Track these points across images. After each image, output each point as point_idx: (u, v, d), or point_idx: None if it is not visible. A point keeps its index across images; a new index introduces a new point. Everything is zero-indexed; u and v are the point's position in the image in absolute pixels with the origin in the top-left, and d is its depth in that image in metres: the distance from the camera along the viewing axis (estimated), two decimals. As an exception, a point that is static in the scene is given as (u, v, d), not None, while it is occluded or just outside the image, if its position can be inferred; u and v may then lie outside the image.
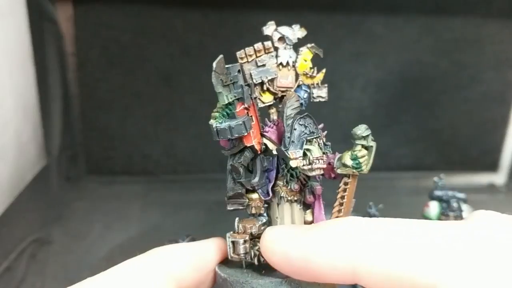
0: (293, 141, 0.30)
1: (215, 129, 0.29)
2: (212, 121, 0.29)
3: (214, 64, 0.29)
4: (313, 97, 0.34)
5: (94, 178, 0.99)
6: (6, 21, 0.74)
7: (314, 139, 0.30)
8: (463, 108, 1.06)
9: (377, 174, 1.05)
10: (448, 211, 0.65)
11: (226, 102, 0.29)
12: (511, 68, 1.04)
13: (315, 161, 0.29)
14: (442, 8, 0.98)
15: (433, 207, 0.66)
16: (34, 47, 0.83)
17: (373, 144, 0.30)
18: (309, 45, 0.33)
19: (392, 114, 1.05)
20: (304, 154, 0.30)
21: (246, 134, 0.29)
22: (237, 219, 0.31)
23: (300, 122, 0.30)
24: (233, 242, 0.30)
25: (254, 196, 0.31)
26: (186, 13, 0.93)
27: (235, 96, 0.30)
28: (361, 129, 0.30)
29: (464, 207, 0.65)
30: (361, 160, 0.29)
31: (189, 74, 0.94)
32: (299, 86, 0.34)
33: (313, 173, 0.29)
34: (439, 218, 0.65)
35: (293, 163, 0.29)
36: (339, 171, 0.30)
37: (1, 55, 0.72)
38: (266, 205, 0.32)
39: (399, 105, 1.04)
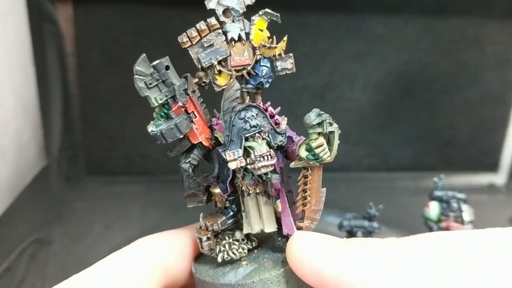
0: (232, 140, 0.27)
1: (151, 134, 0.27)
2: (148, 126, 0.28)
3: (135, 67, 0.26)
4: (278, 71, 0.30)
5: (94, 179, 0.99)
6: (6, 21, 0.74)
7: (257, 134, 0.27)
8: (463, 108, 1.06)
9: (377, 174, 1.05)
10: (448, 211, 0.64)
11: (156, 104, 0.27)
12: (511, 68, 1.04)
13: (258, 159, 0.26)
14: (442, 8, 0.98)
15: (433, 207, 0.66)
16: (34, 47, 0.83)
17: (333, 129, 0.27)
18: (260, 12, 0.29)
19: (392, 114, 1.05)
20: (247, 152, 0.27)
21: (181, 136, 0.27)
22: (201, 215, 0.30)
23: (240, 116, 0.27)
24: (199, 238, 0.29)
25: (216, 190, 0.30)
26: (186, 13, 0.93)
27: (166, 96, 0.27)
28: (311, 117, 0.27)
29: (464, 207, 0.65)
30: (317, 150, 0.27)
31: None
32: (257, 62, 0.29)
33: (259, 172, 0.27)
34: (439, 219, 0.65)
35: (231, 165, 0.27)
36: (292, 165, 0.28)
37: (1, 55, 0.72)
38: (232, 197, 0.30)
39: (399, 105, 1.04)
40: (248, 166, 0.27)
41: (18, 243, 0.70)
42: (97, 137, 0.99)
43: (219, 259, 0.29)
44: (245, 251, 0.30)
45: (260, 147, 0.27)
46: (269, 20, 0.29)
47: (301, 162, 0.28)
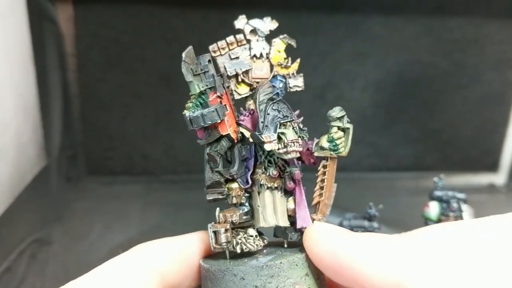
0: (266, 126, 0.30)
1: (188, 118, 0.29)
2: (185, 111, 0.30)
3: (184, 54, 0.29)
4: (290, 87, 0.34)
5: (94, 178, 0.99)
6: (6, 21, 0.74)
7: (288, 123, 0.30)
8: (463, 108, 1.06)
9: (377, 174, 1.05)
10: (448, 212, 0.64)
11: (198, 91, 0.30)
12: (511, 68, 1.04)
13: (290, 144, 0.29)
14: (442, 8, 0.99)
15: (433, 208, 0.66)
16: (34, 47, 0.83)
17: (349, 126, 0.30)
18: (281, 36, 0.34)
19: (392, 114, 1.05)
20: (279, 138, 0.30)
21: (219, 121, 0.30)
22: (218, 209, 0.31)
23: (274, 107, 0.30)
24: (214, 232, 0.30)
25: (234, 185, 0.31)
26: (186, 13, 0.93)
27: (206, 85, 0.30)
28: (336, 111, 0.30)
29: (464, 207, 0.65)
30: (337, 142, 0.30)
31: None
32: (274, 76, 0.34)
33: (289, 156, 0.30)
34: (439, 219, 0.65)
35: (267, 147, 0.29)
36: (316, 153, 0.30)
37: (1, 55, 0.72)
38: (247, 195, 0.32)
39: (399, 105, 1.04)
40: (280, 150, 0.29)
41: (18, 243, 0.70)
42: (97, 137, 0.99)
43: (238, 250, 0.30)
44: (261, 245, 0.31)
45: (291, 133, 0.30)
46: (287, 44, 0.34)
47: (324, 151, 0.30)
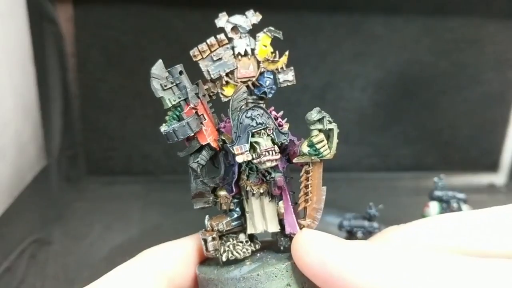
0: (239, 136, 0.29)
1: (164, 134, 0.30)
2: (161, 126, 0.30)
3: (152, 69, 0.29)
4: (280, 83, 0.33)
5: (94, 179, 0.99)
6: (6, 21, 0.74)
7: (263, 130, 0.29)
8: (463, 108, 1.06)
9: (377, 174, 1.05)
10: (448, 212, 0.65)
11: (170, 105, 0.29)
12: (511, 68, 1.04)
13: (263, 153, 0.28)
14: (442, 8, 0.98)
15: (433, 208, 0.66)
16: (34, 47, 0.83)
17: (332, 126, 0.29)
18: (265, 29, 0.32)
19: (392, 114, 1.05)
20: (253, 147, 0.29)
21: (192, 134, 0.29)
22: (207, 216, 0.31)
23: (247, 115, 0.29)
24: (204, 240, 0.30)
25: (222, 192, 0.31)
26: (186, 13, 0.93)
27: (179, 98, 0.30)
28: (313, 114, 0.29)
29: (464, 207, 0.65)
30: (318, 146, 0.29)
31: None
32: (261, 74, 0.32)
33: (263, 166, 0.29)
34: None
35: (238, 159, 0.29)
36: (295, 160, 0.30)
37: (1, 55, 0.72)
38: (236, 200, 0.32)
39: (399, 105, 1.04)
40: (254, 161, 0.29)
41: (18, 243, 0.70)
42: (97, 137, 0.99)
43: (224, 258, 0.30)
44: (249, 251, 0.31)
45: (265, 142, 0.29)
46: (272, 37, 0.32)
47: (303, 157, 0.29)
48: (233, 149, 0.29)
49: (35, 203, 0.80)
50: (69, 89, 0.94)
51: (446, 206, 0.65)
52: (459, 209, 0.65)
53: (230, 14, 0.33)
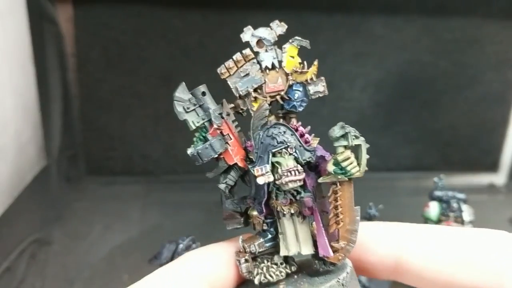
0: (260, 156, 0.28)
1: (191, 156, 0.29)
2: (188, 148, 0.29)
3: (175, 93, 0.29)
4: (311, 94, 0.31)
5: (94, 179, 0.99)
6: (6, 22, 0.74)
7: (284, 150, 0.28)
8: (463, 108, 1.06)
9: (377, 174, 1.05)
10: (448, 212, 0.65)
11: (194, 127, 0.29)
12: (511, 68, 1.04)
13: (285, 173, 0.27)
14: (442, 8, 0.98)
15: (433, 208, 0.66)
16: (34, 47, 0.83)
17: (359, 142, 0.27)
18: (291, 40, 0.31)
19: (392, 114, 1.05)
20: (275, 167, 0.28)
21: (215, 156, 0.29)
22: (240, 237, 0.30)
23: (268, 134, 0.28)
24: (238, 261, 0.29)
25: (254, 213, 0.30)
26: (186, 13, 0.93)
27: (203, 119, 0.29)
28: (335, 130, 0.27)
29: (464, 207, 0.65)
30: (344, 163, 0.27)
31: (189, 74, 0.94)
32: (290, 86, 0.31)
33: (286, 187, 0.27)
34: (439, 219, 0.65)
35: (259, 180, 0.27)
36: (320, 180, 0.28)
37: (1, 55, 0.72)
38: (269, 220, 0.30)
39: (399, 105, 1.04)
40: (276, 182, 0.28)
41: (18, 243, 0.70)
42: (97, 137, 0.99)
43: (256, 281, 0.29)
44: (283, 274, 0.30)
45: (286, 161, 0.27)
46: (299, 47, 0.31)
47: (329, 176, 0.28)
48: (253, 170, 0.28)
49: (35, 203, 0.80)
50: (69, 89, 0.94)
51: (446, 206, 0.65)
52: (459, 209, 0.65)
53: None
